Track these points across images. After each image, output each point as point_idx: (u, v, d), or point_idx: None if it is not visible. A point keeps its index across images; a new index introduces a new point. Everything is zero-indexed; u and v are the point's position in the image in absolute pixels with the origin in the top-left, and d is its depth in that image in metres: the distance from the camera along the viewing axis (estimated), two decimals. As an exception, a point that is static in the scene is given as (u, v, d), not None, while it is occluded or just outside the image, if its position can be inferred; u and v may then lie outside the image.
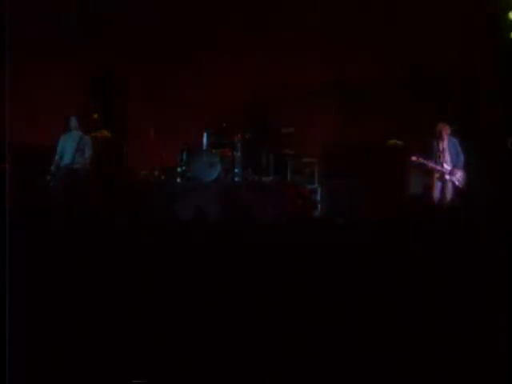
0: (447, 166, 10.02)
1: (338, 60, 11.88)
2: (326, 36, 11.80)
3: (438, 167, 10.01)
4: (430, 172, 10.09)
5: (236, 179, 10.95)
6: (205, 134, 11.08)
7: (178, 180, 10.96)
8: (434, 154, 10.03)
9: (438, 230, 5.49)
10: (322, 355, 4.17)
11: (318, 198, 10.99)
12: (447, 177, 10.00)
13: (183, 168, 10.89)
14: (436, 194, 9.99)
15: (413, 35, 11.40)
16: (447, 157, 10.03)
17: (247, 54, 11.95)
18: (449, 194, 9.97)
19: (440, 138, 10.02)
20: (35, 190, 9.92)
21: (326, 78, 12.01)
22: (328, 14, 11.75)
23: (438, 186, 10.04)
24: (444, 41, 11.18)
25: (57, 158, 10.06)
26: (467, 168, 10.12)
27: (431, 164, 10.01)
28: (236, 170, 10.96)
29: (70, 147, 10.03)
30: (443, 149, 10.01)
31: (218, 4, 11.87)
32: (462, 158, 10.07)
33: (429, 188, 10.11)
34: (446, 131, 10.03)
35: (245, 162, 11.02)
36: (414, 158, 10.03)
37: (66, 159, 10.02)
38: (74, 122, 10.15)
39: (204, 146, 11.07)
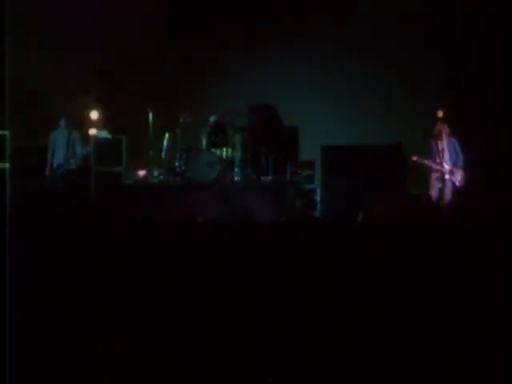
0: (447, 166, 10.08)
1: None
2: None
3: (438, 167, 10.06)
4: (430, 172, 10.18)
5: (235, 179, 10.93)
6: (204, 134, 11.05)
7: (177, 180, 10.92)
8: (433, 154, 10.10)
9: (438, 230, 5.48)
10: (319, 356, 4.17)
11: (318, 198, 10.98)
12: (447, 176, 10.06)
13: (182, 168, 10.85)
14: (435, 194, 10.06)
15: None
16: (446, 157, 10.10)
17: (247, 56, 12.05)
18: (448, 194, 10.04)
19: (439, 138, 10.09)
20: (35, 190, 9.95)
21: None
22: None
23: (436, 186, 10.11)
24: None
25: (49, 156, 10.26)
26: (467, 168, 10.18)
27: (431, 163, 10.06)
28: (235, 170, 10.94)
29: (61, 144, 10.30)
30: (442, 149, 10.09)
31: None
32: (461, 157, 10.14)
33: (429, 188, 10.20)
34: (445, 131, 10.11)
35: (244, 162, 11.01)
36: (414, 158, 10.12)
37: (58, 157, 10.23)
38: (62, 120, 10.44)
39: (203, 146, 11.04)
